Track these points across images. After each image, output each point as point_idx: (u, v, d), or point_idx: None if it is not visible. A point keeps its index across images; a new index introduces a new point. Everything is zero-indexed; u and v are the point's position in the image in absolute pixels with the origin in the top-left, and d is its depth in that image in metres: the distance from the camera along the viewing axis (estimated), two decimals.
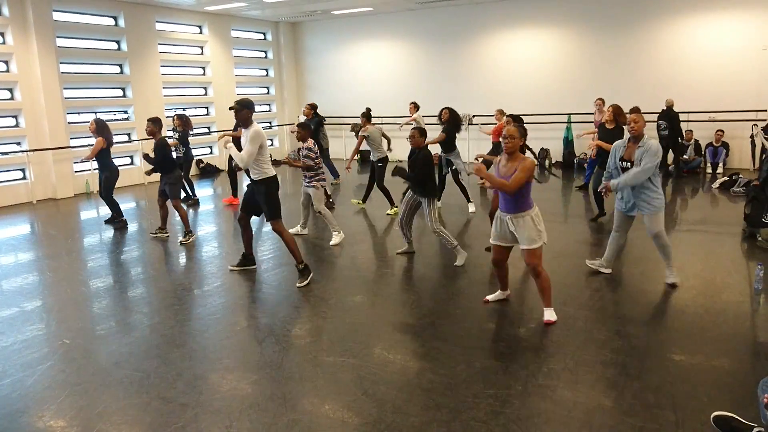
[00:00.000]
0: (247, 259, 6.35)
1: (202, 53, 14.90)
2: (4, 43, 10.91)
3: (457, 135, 8.79)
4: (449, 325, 4.69)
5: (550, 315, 4.64)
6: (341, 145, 15.79)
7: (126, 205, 8.92)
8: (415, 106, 11.48)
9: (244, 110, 5.57)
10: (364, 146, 9.40)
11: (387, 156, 9.20)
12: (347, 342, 4.43)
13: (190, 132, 10.19)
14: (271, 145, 17.06)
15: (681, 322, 4.64)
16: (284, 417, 3.41)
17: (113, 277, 6.44)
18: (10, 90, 11.15)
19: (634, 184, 5.12)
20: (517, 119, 6.92)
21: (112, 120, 12.57)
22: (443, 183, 9.11)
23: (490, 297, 5.10)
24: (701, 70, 12.31)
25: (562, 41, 13.72)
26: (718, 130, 11.98)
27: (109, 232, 8.45)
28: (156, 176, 7.98)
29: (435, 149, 7.65)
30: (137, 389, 3.80)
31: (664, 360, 3.99)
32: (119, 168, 8.88)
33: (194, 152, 11.16)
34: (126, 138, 12.96)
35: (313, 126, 10.29)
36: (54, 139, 11.36)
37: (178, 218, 7.90)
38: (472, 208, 8.96)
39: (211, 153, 15.20)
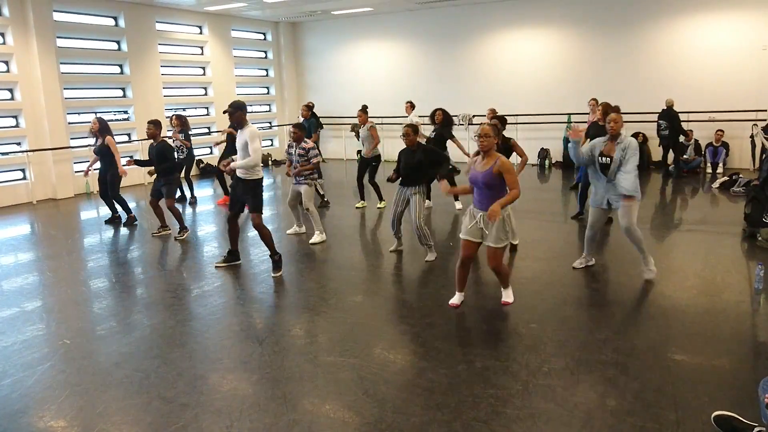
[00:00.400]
0: (233, 255, 6.50)
1: (202, 53, 14.90)
2: (4, 43, 10.90)
3: (452, 135, 8.87)
4: (449, 325, 4.69)
5: (508, 296, 4.97)
6: (341, 146, 15.79)
7: (128, 205, 8.92)
8: (411, 106, 11.44)
9: (237, 112, 5.77)
10: (361, 146, 9.51)
11: (380, 154, 9.28)
12: (347, 342, 4.43)
13: (189, 131, 10.23)
14: (271, 145, 17.07)
15: (681, 321, 4.64)
16: (285, 417, 3.41)
17: (113, 277, 6.43)
18: (11, 90, 11.15)
19: (634, 184, 5.23)
20: (501, 119, 6.96)
21: (112, 120, 12.56)
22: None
23: (456, 301, 5.01)
24: (701, 70, 12.31)
25: (562, 41, 13.72)
26: (718, 130, 11.98)
27: (108, 233, 8.45)
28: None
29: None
30: (138, 389, 3.79)
31: (664, 360, 3.99)
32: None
33: (194, 152, 11.15)
34: (126, 138, 12.95)
35: (312, 126, 10.30)
36: (54, 139, 11.36)
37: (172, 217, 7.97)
38: (459, 205, 9.06)
39: (210, 153, 15.19)
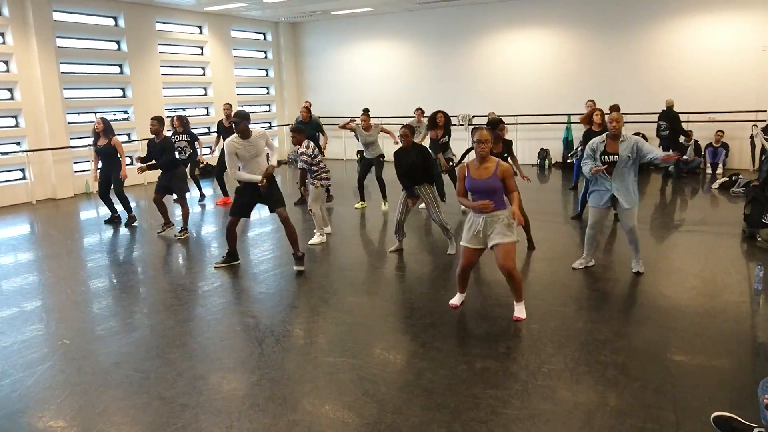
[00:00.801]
0: (232, 256, 6.52)
1: (202, 53, 14.90)
2: (4, 43, 10.90)
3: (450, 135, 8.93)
4: (449, 326, 4.69)
5: (520, 312, 4.75)
6: (341, 146, 15.80)
7: (130, 204, 8.92)
8: (422, 112, 11.37)
9: (242, 122, 5.85)
10: (360, 147, 9.52)
11: (383, 153, 9.33)
12: (347, 342, 4.43)
13: (192, 131, 10.26)
14: None
15: (681, 322, 4.64)
16: (284, 417, 3.41)
17: (113, 277, 6.43)
18: (10, 90, 11.15)
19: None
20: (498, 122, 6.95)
21: (112, 120, 12.55)
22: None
23: (456, 301, 5.02)
24: (701, 71, 12.31)
25: (562, 42, 13.73)
26: (717, 131, 11.98)
27: (108, 232, 8.45)
28: (156, 174, 8.03)
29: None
30: (137, 389, 3.79)
31: (664, 360, 3.99)
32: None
33: (197, 151, 11.12)
34: (126, 138, 12.95)
35: (313, 129, 10.23)
36: (54, 139, 11.36)
37: (178, 213, 8.00)
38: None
39: (210, 153, 15.16)
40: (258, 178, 5.93)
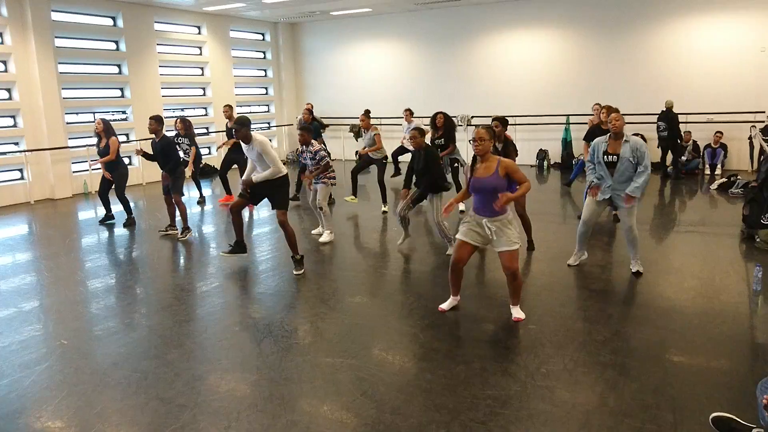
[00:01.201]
0: (240, 246, 6.49)
1: (200, 53, 14.89)
2: (2, 43, 10.88)
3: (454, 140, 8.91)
4: (448, 326, 4.69)
5: (518, 313, 4.73)
6: (339, 146, 15.79)
7: (130, 206, 8.92)
8: (411, 113, 11.45)
9: (243, 128, 5.92)
10: (360, 146, 9.52)
11: (387, 154, 9.32)
12: (346, 343, 4.43)
13: (194, 133, 10.24)
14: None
15: (680, 323, 4.64)
16: (283, 418, 3.40)
17: (111, 277, 6.42)
18: (8, 90, 11.13)
19: (645, 186, 5.39)
20: (502, 121, 6.90)
21: (111, 120, 12.54)
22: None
23: (445, 306, 4.98)
24: (700, 72, 12.32)
25: (562, 43, 13.73)
26: (716, 132, 11.99)
27: (106, 233, 8.44)
28: (156, 174, 8.03)
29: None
30: (135, 390, 3.79)
31: (662, 361, 3.99)
32: (127, 167, 8.90)
33: (200, 152, 11.10)
34: (124, 138, 12.93)
35: (316, 130, 10.26)
36: (52, 139, 11.34)
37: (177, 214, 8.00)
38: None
39: (209, 153, 15.18)
40: (259, 177, 5.95)
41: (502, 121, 6.76)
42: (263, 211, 9.11)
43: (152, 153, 7.85)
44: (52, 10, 11.45)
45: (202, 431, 3.30)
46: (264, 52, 16.97)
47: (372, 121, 9.40)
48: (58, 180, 11.53)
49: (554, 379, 3.75)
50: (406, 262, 6.54)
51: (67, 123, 11.90)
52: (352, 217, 8.99)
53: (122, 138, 12.79)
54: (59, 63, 11.62)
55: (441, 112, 8.86)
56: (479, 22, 14.46)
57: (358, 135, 9.34)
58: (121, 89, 13.08)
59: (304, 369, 4.00)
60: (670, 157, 11.83)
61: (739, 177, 10.28)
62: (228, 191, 10.33)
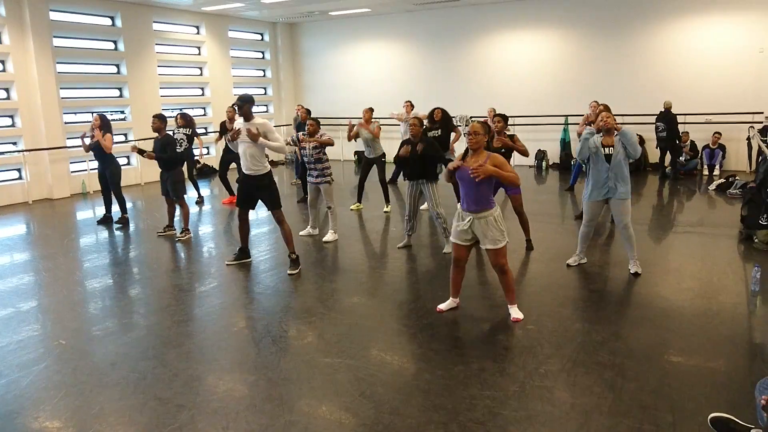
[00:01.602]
0: (244, 253, 6.55)
1: (199, 53, 14.88)
2: (0, 42, 10.87)
3: (455, 126, 8.97)
4: (446, 327, 4.69)
5: (516, 312, 4.73)
6: (338, 146, 15.77)
7: (126, 205, 8.91)
8: (411, 106, 11.49)
9: (245, 105, 5.93)
10: (359, 146, 9.52)
11: (384, 152, 9.33)
12: (344, 343, 4.42)
13: (196, 129, 10.24)
14: None
15: (678, 323, 4.64)
16: (281, 418, 3.40)
17: (109, 277, 6.41)
18: (7, 90, 11.12)
19: (634, 141, 5.53)
20: (503, 117, 6.93)
21: (109, 120, 12.53)
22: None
23: (443, 306, 4.99)
24: (698, 73, 12.34)
25: (560, 43, 13.74)
26: (715, 133, 12.00)
27: (105, 233, 8.43)
28: (154, 174, 8.01)
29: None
30: (133, 390, 3.78)
31: (661, 361, 3.99)
32: (119, 164, 8.89)
33: (194, 152, 11.09)
34: (123, 138, 12.92)
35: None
36: (50, 139, 11.33)
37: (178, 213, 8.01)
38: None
39: (208, 153, 15.17)
40: (268, 143, 5.93)
41: (503, 117, 6.83)
42: (262, 210, 9.09)
43: (153, 152, 7.80)
44: (51, 10, 11.43)
45: (200, 431, 3.29)
46: (262, 52, 16.96)
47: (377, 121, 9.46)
48: (56, 180, 11.52)
49: (553, 380, 3.75)
50: (404, 263, 6.54)
51: (66, 123, 11.88)
52: (352, 217, 8.99)
53: (121, 138, 12.81)
54: (57, 63, 11.60)
55: (439, 108, 8.90)
56: (478, 23, 14.47)
57: (356, 135, 9.33)
58: (120, 89, 13.07)
59: (302, 369, 4.00)
60: (668, 157, 11.85)
61: (737, 178, 10.29)
62: (230, 191, 10.31)
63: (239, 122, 6.02)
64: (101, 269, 6.69)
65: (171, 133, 8.54)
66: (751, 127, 11.25)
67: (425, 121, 10.47)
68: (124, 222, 8.70)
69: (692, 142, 12.17)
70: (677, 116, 11.59)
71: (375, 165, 9.21)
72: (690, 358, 4.05)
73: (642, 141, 12.53)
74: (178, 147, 9.28)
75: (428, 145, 6.48)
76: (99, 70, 12.74)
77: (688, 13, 12.33)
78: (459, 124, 14.19)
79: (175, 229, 8.02)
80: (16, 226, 9.40)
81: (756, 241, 6.68)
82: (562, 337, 4.40)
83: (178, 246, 7.53)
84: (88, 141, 8.58)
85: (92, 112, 12.39)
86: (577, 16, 13.39)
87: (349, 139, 9.22)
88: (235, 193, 7.99)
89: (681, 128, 11.85)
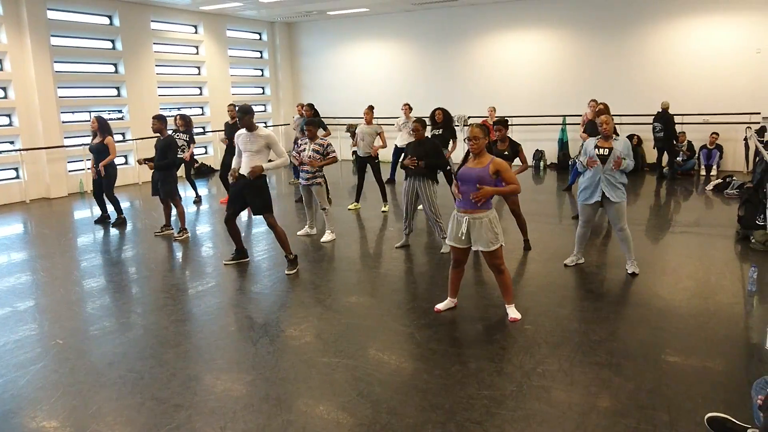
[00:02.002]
0: (240, 253, 6.55)
1: (197, 53, 14.86)
2: None
3: (455, 134, 8.95)
4: (444, 326, 4.69)
5: (514, 312, 4.73)
6: (337, 146, 15.75)
7: (121, 205, 8.91)
8: (410, 108, 11.38)
9: (246, 116, 5.95)
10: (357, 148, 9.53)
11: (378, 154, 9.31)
12: (342, 343, 4.42)
13: (194, 131, 10.21)
14: None
15: (675, 323, 4.65)
16: (279, 418, 3.40)
17: (107, 277, 6.41)
18: (4, 89, 11.10)
19: (629, 168, 5.54)
20: (503, 123, 6.94)
21: (107, 119, 12.51)
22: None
23: (441, 306, 4.99)
24: (695, 73, 12.37)
25: (558, 43, 13.76)
26: (712, 133, 12.02)
27: (102, 232, 8.42)
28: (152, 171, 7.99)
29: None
30: (131, 390, 3.78)
31: (658, 361, 4.00)
32: (116, 167, 8.87)
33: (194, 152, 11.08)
34: (120, 138, 12.90)
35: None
36: (48, 138, 11.30)
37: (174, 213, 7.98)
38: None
39: (206, 153, 15.16)
40: (270, 165, 5.96)
41: (503, 123, 6.83)
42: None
43: (154, 154, 7.78)
44: (48, 9, 11.41)
45: (197, 431, 3.29)
46: (261, 52, 16.95)
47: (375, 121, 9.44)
48: (53, 179, 11.49)
49: (550, 380, 3.75)
50: (402, 262, 6.54)
51: (63, 122, 11.86)
52: (350, 216, 8.98)
53: (118, 137, 12.78)
54: (55, 62, 11.57)
55: (440, 108, 8.90)
56: (476, 23, 14.48)
57: (354, 136, 9.33)
58: (118, 88, 13.05)
59: (300, 369, 4.00)
60: (666, 158, 11.87)
61: (734, 178, 10.31)
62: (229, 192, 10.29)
63: (242, 132, 6.02)
64: (98, 269, 6.68)
65: (171, 132, 8.54)
66: (748, 127, 11.29)
67: (405, 124, 10.57)
68: (121, 222, 8.68)
69: (689, 142, 12.20)
70: (674, 116, 11.61)
71: (369, 165, 9.17)
72: (687, 357, 4.05)
73: (639, 141, 12.56)
74: (180, 152, 9.32)
75: (432, 153, 6.46)
76: (96, 69, 12.71)
77: (685, 13, 12.35)
78: (458, 124, 14.23)
79: (172, 229, 8.01)
80: (14, 225, 9.38)
81: (753, 241, 6.70)
82: (560, 336, 4.40)
83: (175, 246, 7.52)
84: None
85: (90, 112, 12.42)
86: (575, 16, 13.41)
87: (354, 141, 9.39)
88: None
89: (678, 128, 11.88)
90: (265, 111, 17.09)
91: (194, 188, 10.67)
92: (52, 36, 11.55)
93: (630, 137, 11.98)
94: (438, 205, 6.65)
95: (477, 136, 4.53)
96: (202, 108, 15.13)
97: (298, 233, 7.70)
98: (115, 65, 12.94)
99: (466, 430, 3.23)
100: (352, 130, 14.80)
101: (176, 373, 3.99)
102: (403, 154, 6.74)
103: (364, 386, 3.73)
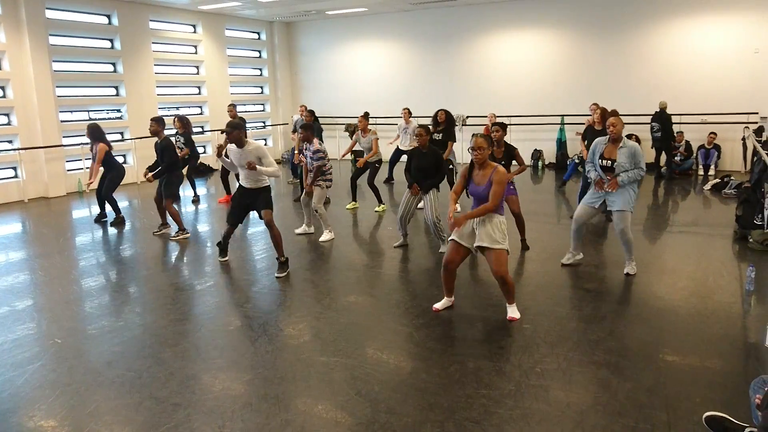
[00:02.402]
0: (223, 250, 6.60)
1: (196, 52, 14.85)
2: None
3: (454, 137, 8.93)
4: (442, 326, 4.69)
5: (513, 312, 4.74)
6: (335, 146, 15.77)
7: (119, 204, 8.90)
8: (409, 113, 11.31)
9: (235, 131, 5.87)
10: (358, 147, 9.55)
11: (381, 158, 9.28)
12: (341, 342, 4.43)
13: (192, 133, 10.19)
14: (265, 144, 17.03)
15: (673, 323, 4.66)
16: (277, 417, 3.40)
17: (105, 276, 6.40)
18: (2, 88, 11.08)
19: (633, 180, 5.49)
20: (501, 126, 6.92)
21: (104, 119, 12.52)
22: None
23: (438, 305, 5.00)
24: (694, 73, 12.39)
25: (556, 43, 13.77)
26: (710, 133, 12.05)
27: (100, 231, 8.41)
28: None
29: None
30: (129, 389, 3.77)
31: (656, 360, 4.00)
32: (119, 169, 8.85)
33: (197, 151, 11.04)
34: (119, 137, 12.89)
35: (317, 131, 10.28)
36: (46, 137, 11.29)
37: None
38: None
39: (204, 152, 15.15)
40: (264, 170, 5.94)
41: (502, 126, 6.81)
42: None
43: (156, 159, 7.79)
44: (47, 8, 11.39)
45: (196, 430, 3.29)
46: (259, 51, 16.95)
47: (369, 122, 9.39)
48: (52, 178, 11.48)
49: (548, 379, 3.76)
50: (400, 262, 6.54)
51: (62, 121, 11.85)
52: (348, 216, 8.99)
53: (117, 137, 12.77)
54: (53, 61, 11.56)
55: (443, 109, 8.90)
56: (474, 23, 14.49)
57: (353, 134, 9.34)
58: (116, 87, 13.03)
59: (298, 368, 4.00)
60: (663, 157, 11.89)
61: (732, 178, 10.33)
62: (228, 191, 10.29)
63: (233, 147, 5.97)
64: (97, 268, 6.68)
65: (172, 134, 8.54)
66: (746, 127, 11.31)
67: (405, 129, 10.59)
68: (119, 221, 8.67)
69: (687, 142, 12.22)
70: (672, 116, 11.62)
71: (368, 167, 9.18)
72: (685, 357, 4.06)
73: (637, 141, 12.56)
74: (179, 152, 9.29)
75: (434, 168, 6.49)
76: (95, 68, 12.70)
77: (683, 13, 12.37)
78: (456, 124, 14.23)
79: (169, 226, 8.01)
80: (12, 224, 9.37)
81: (751, 240, 6.71)
82: (558, 336, 4.41)
83: (173, 245, 7.52)
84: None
85: (88, 111, 12.42)
86: (574, 16, 13.42)
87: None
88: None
89: (676, 128, 11.90)
90: (263, 110, 17.08)
91: (193, 187, 10.66)
92: (51, 35, 11.53)
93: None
94: (439, 206, 6.64)
95: (481, 147, 4.54)
96: (200, 107, 15.12)
97: (296, 231, 7.70)
98: (113, 64, 12.93)
99: (464, 429, 3.23)
100: (350, 129, 14.76)
101: (175, 372, 3.99)
102: (406, 163, 6.82)
103: (362, 385, 3.73)
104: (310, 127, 7.40)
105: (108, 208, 8.84)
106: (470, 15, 14.46)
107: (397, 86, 15.53)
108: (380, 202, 9.19)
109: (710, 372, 3.85)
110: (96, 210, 9.19)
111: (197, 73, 14.97)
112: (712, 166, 11.93)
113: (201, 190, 11.77)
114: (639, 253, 6.32)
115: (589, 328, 4.54)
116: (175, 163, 7.72)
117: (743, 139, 11.56)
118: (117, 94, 13.04)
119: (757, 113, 11.57)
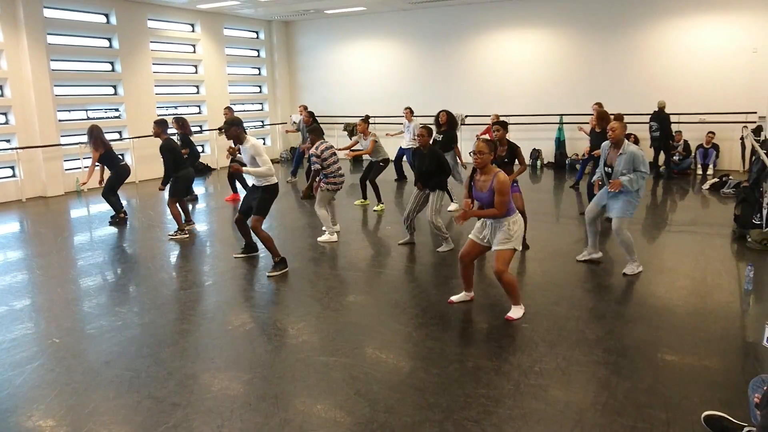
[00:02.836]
0: (250, 247, 6.65)
1: (194, 51, 14.83)
2: None
3: (457, 136, 8.97)
4: (441, 325, 4.69)
5: (513, 312, 4.75)
6: (336, 145, 15.76)
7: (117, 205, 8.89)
8: (411, 112, 11.29)
9: (232, 128, 5.93)
10: (358, 147, 9.63)
11: (388, 157, 9.36)
12: (340, 341, 4.42)
13: (190, 134, 10.16)
14: (264, 143, 17.01)
15: (672, 322, 4.66)
16: (276, 417, 3.39)
17: (103, 275, 6.39)
18: (0, 87, 11.05)
19: (636, 187, 5.51)
20: (503, 124, 6.91)
21: (103, 118, 12.50)
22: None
23: (454, 298, 5.10)
24: (692, 72, 12.38)
25: (555, 43, 13.77)
26: (708, 132, 12.05)
27: (99, 231, 8.40)
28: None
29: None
30: (128, 389, 3.77)
31: (655, 360, 4.01)
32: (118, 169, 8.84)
33: (197, 150, 11.01)
34: (117, 136, 12.87)
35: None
36: (44, 136, 11.27)
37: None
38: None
39: (203, 151, 15.12)
40: (249, 170, 5.97)
41: (503, 125, 6.80)
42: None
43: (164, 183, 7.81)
44: (45, 7, 11.36)
45: (194, 430, 3.28)
46: (258, 51, 16.93)
47: (376, 134, 9.49)
48: (50, 178, 11.46)
49: (547, 378, 3.76)
50: (401, 261, 6.54)
51: (60, 120, 11.82)
52: (348, 216, 8.98)
53: (115, 136, 12.75)
54: (51, 60, 11.54)
55: (444, 110, 8.93)
56: (473, 22, 14.48)
57: (352, 134, 9.37)
58: (114, 86, 13.01)
59: (297, 368, 4.00)
60: (662, 157, 11.89)
61: (730, 177, 10.33)
62: (234, 190, 10.29)
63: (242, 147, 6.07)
64: (95, 267, 6.66)
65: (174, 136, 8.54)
66: (744, 126, 11.31)
67: (407, 128, 10.62)
68: (119, 221, 8.65)
69: (686, 141, 12.22)
70: (671, 116, 11.62)
71: (372, 166, 9.24)
72: (684, 356, 4.06)
73: (636, 141, 12.56)
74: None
75: (436, 168, 6.50)
76: (93, 67, 12.68)
77: (682, 13, 12.37)
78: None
79: (193, 223, 8.06)
80: (10, 224, 9.35)
81: (749, 240, 6.72)
82: (557, 335, 4.41)
83: (172, 244, 7.50)
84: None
85: (87, 110, 12.40)
86: (572, 15, 13.42)
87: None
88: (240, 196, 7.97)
89: (674, 128, 11.90)
90: (262, 110, 17.07)
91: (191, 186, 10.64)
92: (49, 34, 11.51)
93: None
94: (441, 208, 6.65)
95: (482, 151, 4.56)
96: (199, 107, 15.10)
97: (324, 230, 7.62)
98: (111, 63, 12.90)
99: (463, 428, 3.23)
100: (349, 129, 14.76)
101: (173, 371, 3.98)
102: (410, 164, 6.82)
103: (361, 385, 3.73)
104: (316, 130, 7.42)
105: (123, 203, 8.85)
106: (469, 14, 14.46)
107: (396, 85, 15.51)
108: (380, 201, 9.20)
109: (709, 371, 3.85)
110: (96, 210, 9.17)
111: (196, 72, 14.95)
112: (711, 166, 11.93)
113: (200, 189, 11.75)
114: (638, 252, 6.31)
115: (587, 328, 4.55)
116: (176, 163, 7.70)
117: (742, 138, 11.55)
118: (115, 94, 13.02)
119: (755, 113, 11.57)
